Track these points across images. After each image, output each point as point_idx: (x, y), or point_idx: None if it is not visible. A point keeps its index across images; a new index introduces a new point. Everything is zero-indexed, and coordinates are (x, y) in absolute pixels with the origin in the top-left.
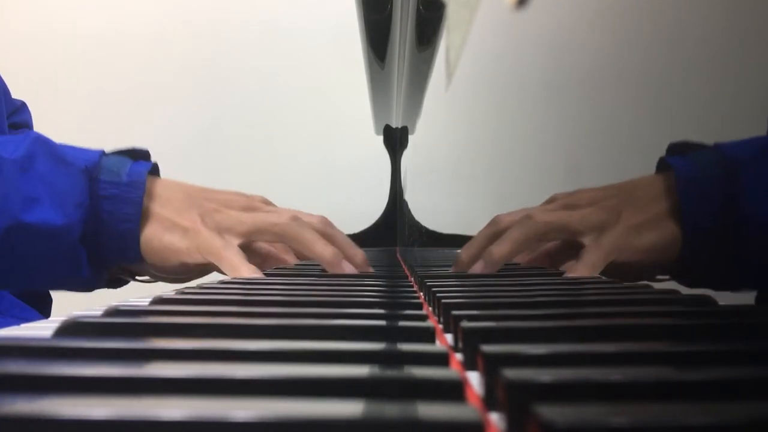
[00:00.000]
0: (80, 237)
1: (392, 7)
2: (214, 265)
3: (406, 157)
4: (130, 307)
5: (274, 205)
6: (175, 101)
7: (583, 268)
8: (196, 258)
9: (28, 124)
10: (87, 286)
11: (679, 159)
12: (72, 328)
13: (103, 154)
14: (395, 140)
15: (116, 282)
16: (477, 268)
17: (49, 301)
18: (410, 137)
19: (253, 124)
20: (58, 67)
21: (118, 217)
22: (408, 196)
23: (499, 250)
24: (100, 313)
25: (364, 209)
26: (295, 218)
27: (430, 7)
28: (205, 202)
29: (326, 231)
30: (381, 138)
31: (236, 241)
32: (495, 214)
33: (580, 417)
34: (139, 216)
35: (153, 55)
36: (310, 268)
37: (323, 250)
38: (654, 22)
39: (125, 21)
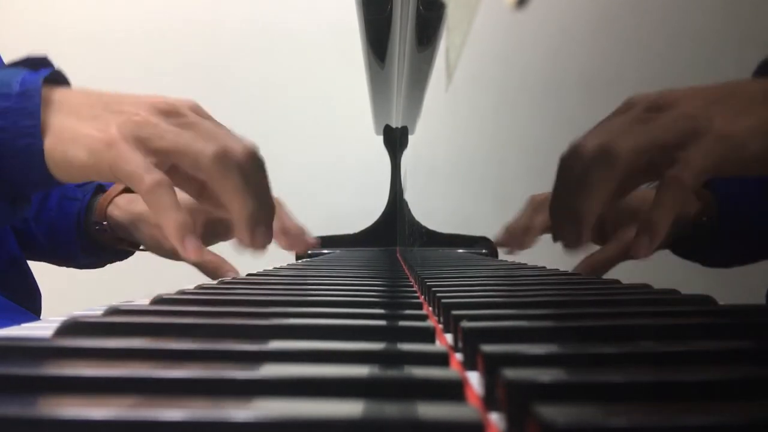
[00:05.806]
0: None
1: (392, 7)
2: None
3: (406, 157)
4: (130, 307)
5: (204, 115)
6: None
7: (663, 214)
8: (107, 176)
9: None
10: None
11: None
12: (72, 328)
13: None
14: (395, 140)
15: (122, 254)
16: (644, 245)
17: (38, 296)
18: (410, 137)
19: (253, 124)
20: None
21: (15, 133)
22: (408, 196)
23: (661, 213)
24: (100, 313)
25: (364, 209)
26: (224, 155)
27: (430, 7)
28: (120, 106)
29: (249, 170)
30: (381, 138)
31: (154, 161)
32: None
33: (579, 417)
34: (39, 128)
35: (153, 57)
36: (310, 268)
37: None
38: (653, 22)
39: (125, 23)
